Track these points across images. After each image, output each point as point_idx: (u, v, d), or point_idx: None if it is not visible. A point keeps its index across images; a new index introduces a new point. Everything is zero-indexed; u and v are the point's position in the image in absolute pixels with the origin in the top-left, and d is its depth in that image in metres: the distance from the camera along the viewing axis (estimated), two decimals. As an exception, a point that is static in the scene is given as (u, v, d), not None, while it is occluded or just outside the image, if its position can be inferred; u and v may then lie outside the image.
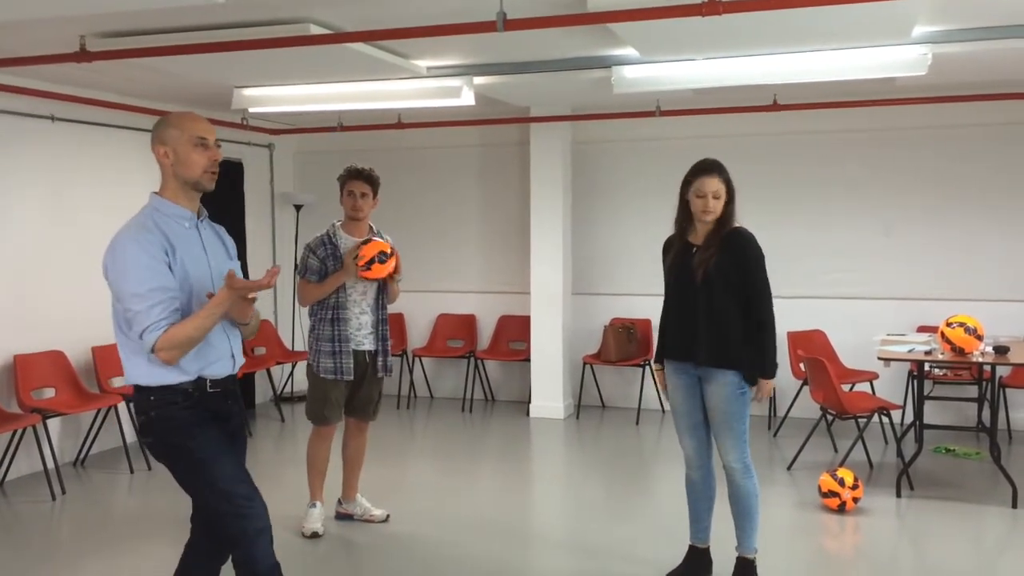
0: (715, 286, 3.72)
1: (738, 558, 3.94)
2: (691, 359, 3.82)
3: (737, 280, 3.73)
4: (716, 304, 3.73)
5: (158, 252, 2.70)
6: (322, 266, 4.57)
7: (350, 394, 4.73)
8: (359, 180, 4.67)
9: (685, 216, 3.86)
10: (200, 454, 2.79)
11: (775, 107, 6.66)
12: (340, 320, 4.57)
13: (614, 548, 4.55)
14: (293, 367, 8.21)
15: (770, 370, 3.77)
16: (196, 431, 2.79)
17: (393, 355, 8.08)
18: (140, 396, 2.79)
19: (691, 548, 4.09)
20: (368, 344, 4.68)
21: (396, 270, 4.62)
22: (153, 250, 2.69)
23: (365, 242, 4.50)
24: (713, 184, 3.75)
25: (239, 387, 3.06)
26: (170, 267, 2.71)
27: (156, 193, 2.86)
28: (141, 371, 2.76)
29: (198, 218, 2.89)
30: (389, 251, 4.46)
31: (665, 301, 3.98)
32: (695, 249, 3.81)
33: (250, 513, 2.81)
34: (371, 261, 4.39)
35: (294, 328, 8.38)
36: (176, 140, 2.78)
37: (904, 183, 7.11)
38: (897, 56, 5.07)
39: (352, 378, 4.63)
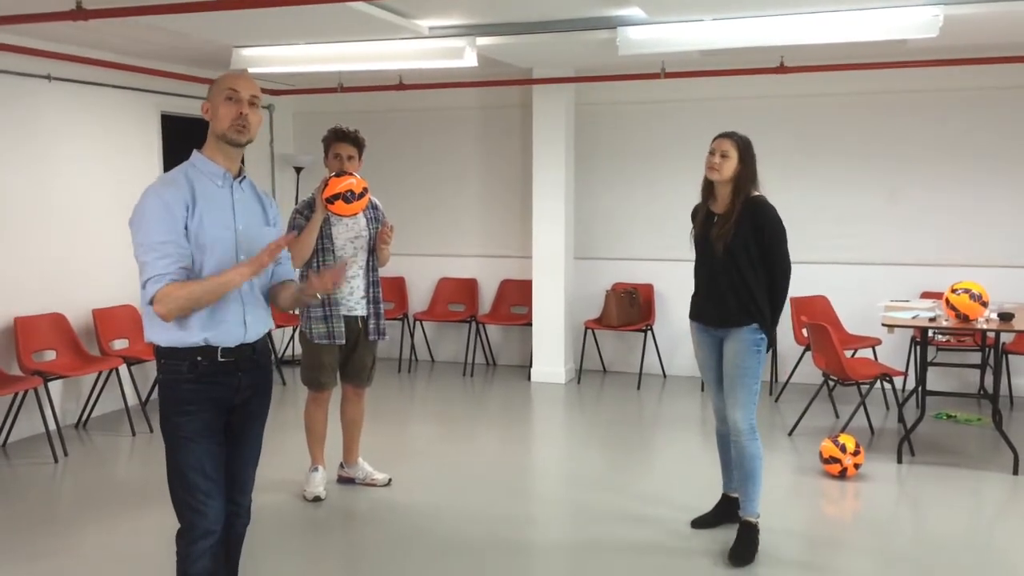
0: (735, 257, 3.86)
1: (741, 522, 3.99)
2: (714, 324, 3.99)
3: (756, 249, 3.86)
4: (737, 274, 3.87)
5: (177, 207, 2.65)
6: None
7: (344, 360, 4.72)
8: (345, 143, 4.57)
9: (708, 184, 4.01)
10: (182, 432, 2.73)
11: (782, 69, 6.57)
12: None
13: (616, 512, 4.56)
14: (295, 330, 8.20)
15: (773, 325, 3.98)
16: (190, 408, 2.73)
17: (394, 319, 8.17)
18: (156, 356, 2.77)
19: (724, 496, 4.31)
20: (360, 310, 4.65)
21: (384, 239, 4.57)
22: (172, 204, 2.65)
23: (338, 175, 4.34)
24: (723, 144, 3.90)
25: (265, 354, 2.95)
26: (186, 224, 2.66)
27: (198, 149, 2.82)
28: (153, 329, 2.72)
29: (235, 178, 2.82)
30: (359, 192, 4.29)
31: (694, 265, 4.12)
32: (716, 219, 3.93)
33: (204, 511, 2.75)
34: (336, 196, 4.26)
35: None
36: (214, 95, 2.77)
37: (911, 147, 7.03)
38: (908, 18, 4.98)
39: (344, 342, 4.61)
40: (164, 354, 2.73)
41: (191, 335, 2.70)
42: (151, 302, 2.61)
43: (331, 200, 4.26)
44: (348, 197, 4.25)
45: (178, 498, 2.78)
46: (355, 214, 4.38)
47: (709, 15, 5.19)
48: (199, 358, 2.72)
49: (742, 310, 3.87)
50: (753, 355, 3.89)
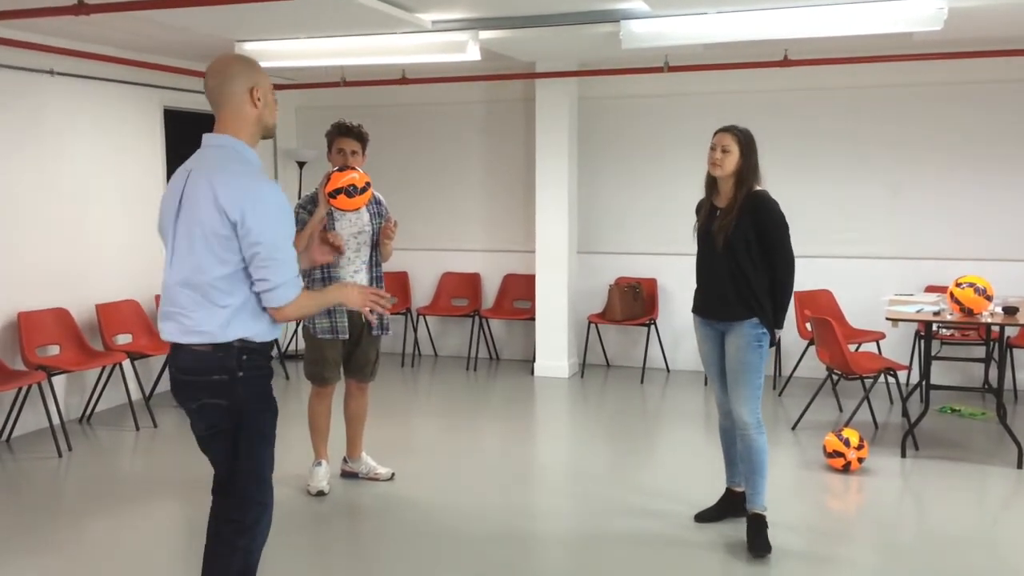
0: (735, 251, 3.86)
1: (749, 515, 4.01)
2: (715, 317, 4.00)
3: (757, 243, 3.85)
4: (737, 268, 3.87)
5: None
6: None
7: (347, 354, 4.72)
8: (348, 137, 4.56)
9: (710, 179, 4.00)
10: (267, 429, 2.73)
11: (786, 63, 6.54)
12: (333, 279, 4.52)
13: (619, 506, 4.56)
14: (298, 325, 8.20)
15: (779, 322, 3.96)
16: (272, 403, 2.74)
17: (397, 313, 8.17)
18: (226, 354, 2.61)
19: (727, 490, 4.32)
20: None
21: (387, 235, 4.57)
22: (287, 200, 2.68)
23: (340, 169, 4.29)
24: (724, 139, 3.89)
25: None
26: None
27: (233, 136, 2.68)
28: (242, 325, 2.61)
29: None
30: (362, 186, 4.24)
31: (696, 259, 4.12)
32: (718, 213, 3.94)
33: (270, 504, 2.78)
34: (338, 190, 4.21)
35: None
36: (265, 86, 2.70)
37: (916, 141, 7.01)
38: (912, 11, 4.97)
39: (347, 337, 4.61)
40: (247, 350, 2.64)
41: (273, 330, 2.71)
42: (279, 305, 2.59)
43: (334, 195, 4.25)
44: (351, 191, 4.23)
45: (249, 495, 2.73)
46: (358, 208, 4.37)
47: (712, 8, 5.17)
48: (268, 353, 2.74)
49: (742, 304, 3.87)
50: (755, 350, 3.89)
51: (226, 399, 2.65)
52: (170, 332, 2.67)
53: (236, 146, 2.67)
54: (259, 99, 2.67)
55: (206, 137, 2.72)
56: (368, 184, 4.31)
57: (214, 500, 2.84)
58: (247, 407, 2.67)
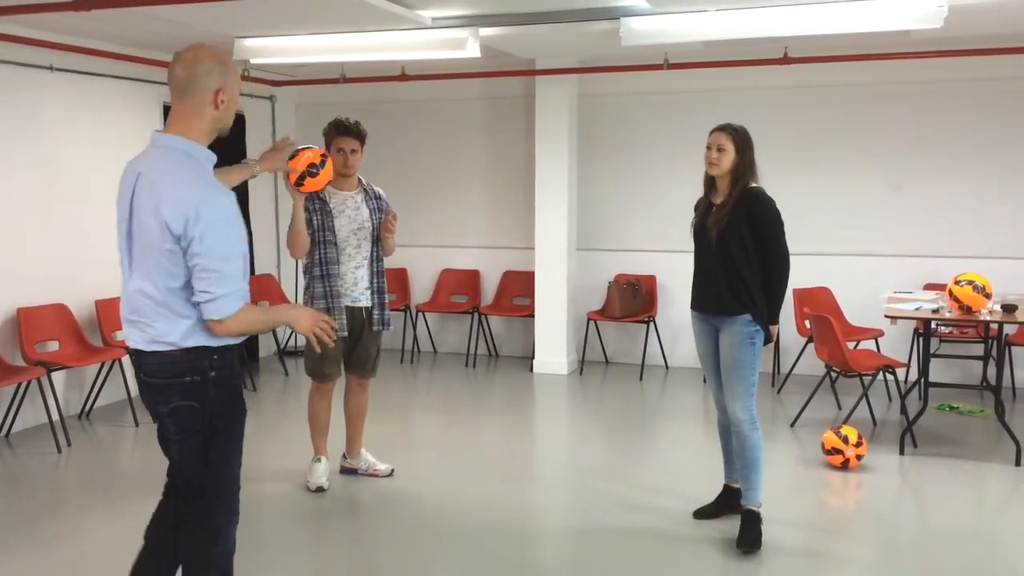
0: (728, 245, 3.87)
1: (744, 511, 4.01)
2: (709, 311, 4.02)
3: (750, 237, 3.86)
4: (731, 262, 3.88)
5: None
6: (311, 219, 4.51)
7: (348, 350, 4.71)
8: (347, 136, 4.55)
9: (709, 177, 4.03)
10: (238, 430, 2.68)
11: (786, 60, 6.54)
12: (332, 276, 4.52)
13: (618, 502, 4.57)
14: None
15: (774, 318, 3.97)
16: (243, 403, 2.67)
17: (396, 310, 8.17)
18: (197, 355, 2.55)
19: (725, 487, 4.32)
20: (364, 300, 4.64)
21: (388, 228, 4.56)
22: (237, 210, 2.52)
23: (292, 156, 4.16)
24: (719, 138, 3.91)
25: None
26: None
27: (185, 137, 2.55)
28: (204, 336, 2.55)
29: None
30: (319, 161, 4.20)
31: (693, 255, 4.15)
32: (714, 208, 3.97)
33: (238, 508, 2.73)
34: (301, 177, 4.19)
35: (297, 282, 8.36)
36: (231, 84, 2.58)
37: (915, 138, 7.01)
38: (912, 8, 4.97)
39: (348, 333, 4.60)
40: (217, 349, 2.59)
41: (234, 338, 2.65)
42: (220, 318, 2.48)
43: (299, 183, 4.23)
44: (312, 171, 4.20)
45: (220, 499, 2.67)
46: (329, 182, 4.33)
47: (713, 5, 5.17)
48: (236, 354, 2.69)
49: (735, 299, 3.89)
50: (747, 347, 3.90)
51: (198, 401, 2.58)
52: (135, 339, 2.61)
53: (188, 148, 2.55)
54: (223, 101, 2.57)
55: (157, 137, 2.60)
56: (324, 156, 4.27)
57: (168, 505, 2.78)
58: (219, 408, 2.62)
